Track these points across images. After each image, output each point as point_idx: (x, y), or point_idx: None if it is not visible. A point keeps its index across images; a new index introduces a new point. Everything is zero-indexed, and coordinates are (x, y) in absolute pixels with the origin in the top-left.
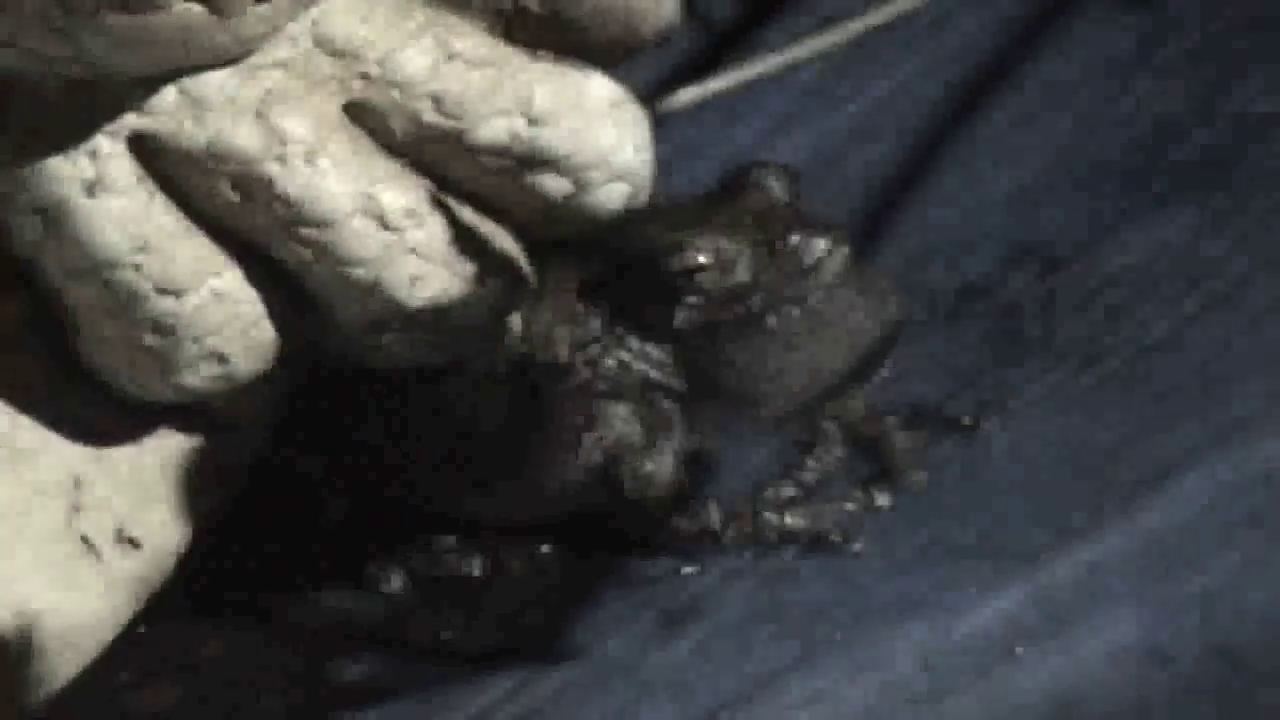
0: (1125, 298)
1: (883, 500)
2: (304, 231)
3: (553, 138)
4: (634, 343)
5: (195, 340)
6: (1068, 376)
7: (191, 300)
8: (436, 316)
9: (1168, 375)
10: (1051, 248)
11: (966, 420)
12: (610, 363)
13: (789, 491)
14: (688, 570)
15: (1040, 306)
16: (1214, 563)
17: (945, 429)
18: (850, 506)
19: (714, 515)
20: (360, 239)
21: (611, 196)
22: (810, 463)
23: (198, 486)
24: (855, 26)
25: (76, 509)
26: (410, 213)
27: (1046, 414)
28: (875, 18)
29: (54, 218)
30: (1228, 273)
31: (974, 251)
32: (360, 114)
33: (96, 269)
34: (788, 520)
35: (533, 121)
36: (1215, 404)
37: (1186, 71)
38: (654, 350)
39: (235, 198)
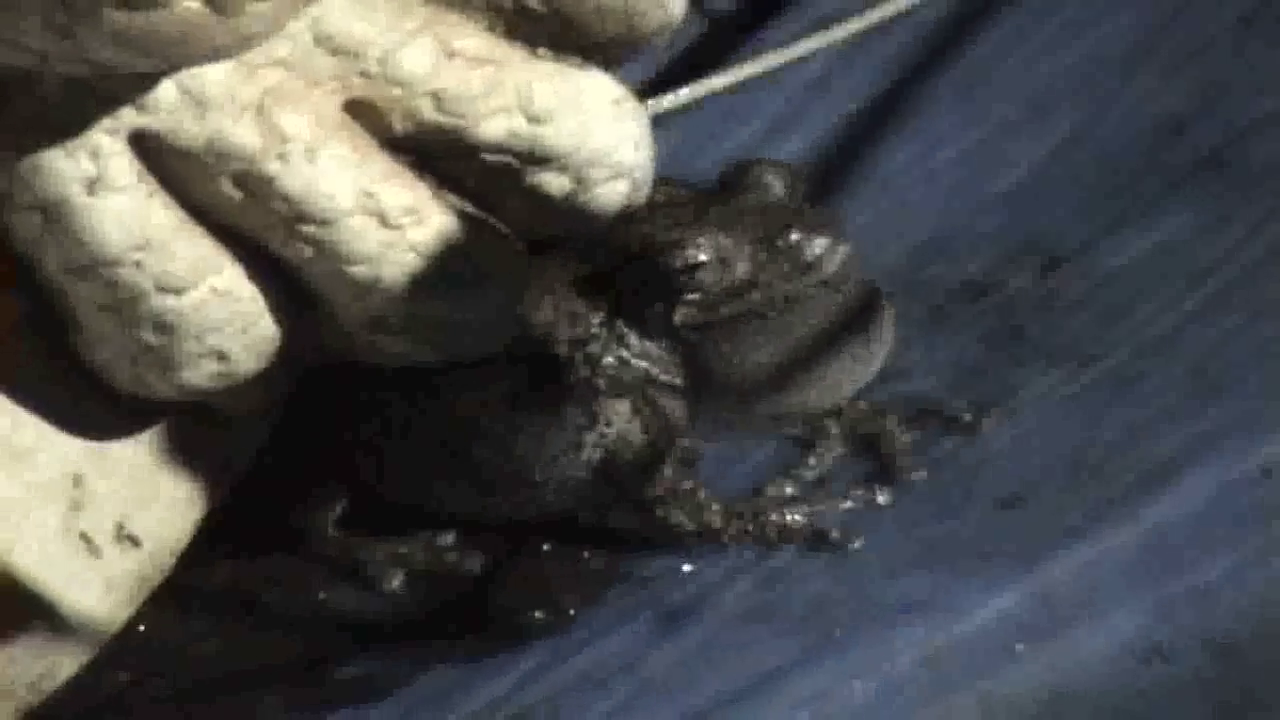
0: (1124, 296)
1: (883, 498)
2: (304, 229)
3: (553, 136)
4: (634, 340)
5: (195, 338)
6: (1067, 375)
7: (192, 298)
8: (437, 315)
9: (1167, 373)
10: (1051, 246)
11: (966, 418)
12: (610, 360)
13: (789, 489)
14: (687, 569)
15: (1040, 305)
16: (1213, 560)
17: (945, 427)
18: (850, 505)
19: (714, 513)
20: (361, 237)
21: (611, 194)
22: (810, 461)
23: (197, 484)
24: (855, 24)
25: (76, 507)
26: (411, 211)
27: (1046, 412)
28: (875, 15)
29: (54, 215)
30: (1227, 271)
31: (974, 250)
32: (360, 112)
33: (96, 267)
34: (788, 518)
35: (533, 119)
36: (1215, 402)
37: (1186, 70)
38: (654, 348)
39: (236, 196)
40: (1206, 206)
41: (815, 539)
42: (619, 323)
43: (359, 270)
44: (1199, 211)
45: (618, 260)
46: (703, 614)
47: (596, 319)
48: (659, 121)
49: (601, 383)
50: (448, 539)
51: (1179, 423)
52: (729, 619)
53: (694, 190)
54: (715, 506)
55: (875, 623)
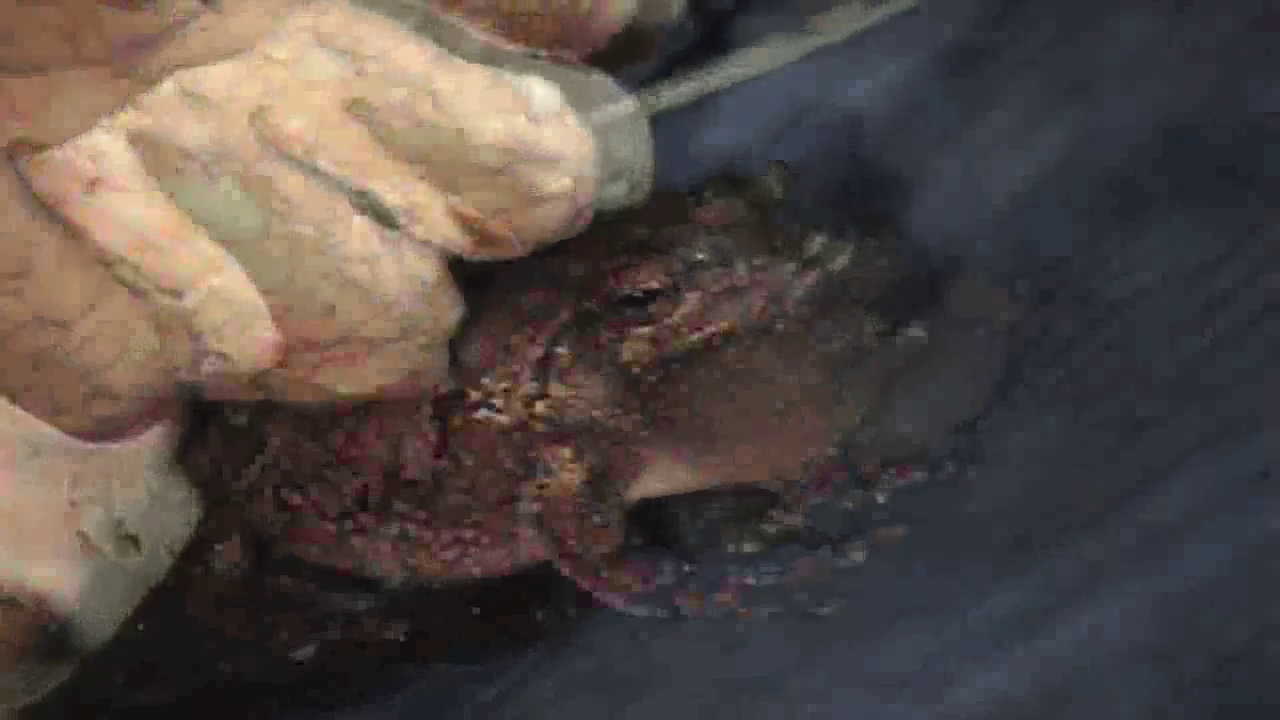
0: (1129, 329)
1: (857, 557)
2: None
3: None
4: (577, 378)
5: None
6: (1065, 418)
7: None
8: (354, 349)
9: (1178, 417)
10: (1047, 273)
11: (950, 467)
12: (550, 401)
13: (750, 546)
14: (641, 635)
15: (1035, 339)
16: (1230, 629)
17: (927, 476)
18: (820, 563)
19: (667, 574)
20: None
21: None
22: (775, 514)
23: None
24: (850, 25)
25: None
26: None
27: (1041, 460)
28: (869, 17)
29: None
30: (1247, 298)
31: (961, 277)
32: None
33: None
34: (748, 580)
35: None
36: (1231, 449)
37: (1196, 72)
38: (600, 387)
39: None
40: (1221, 228)
41: (781, 602)
42: (563, 357)
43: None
44: (1213, 234)
45: (561, 289)
46: (656, 688)
47: (536, 353)
48: (658, 120)
49: (539, 426)
50: (363, 604)
51: (1190, 473)
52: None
53: (690, 190)
54: (668, 566)
55: (850, 696)
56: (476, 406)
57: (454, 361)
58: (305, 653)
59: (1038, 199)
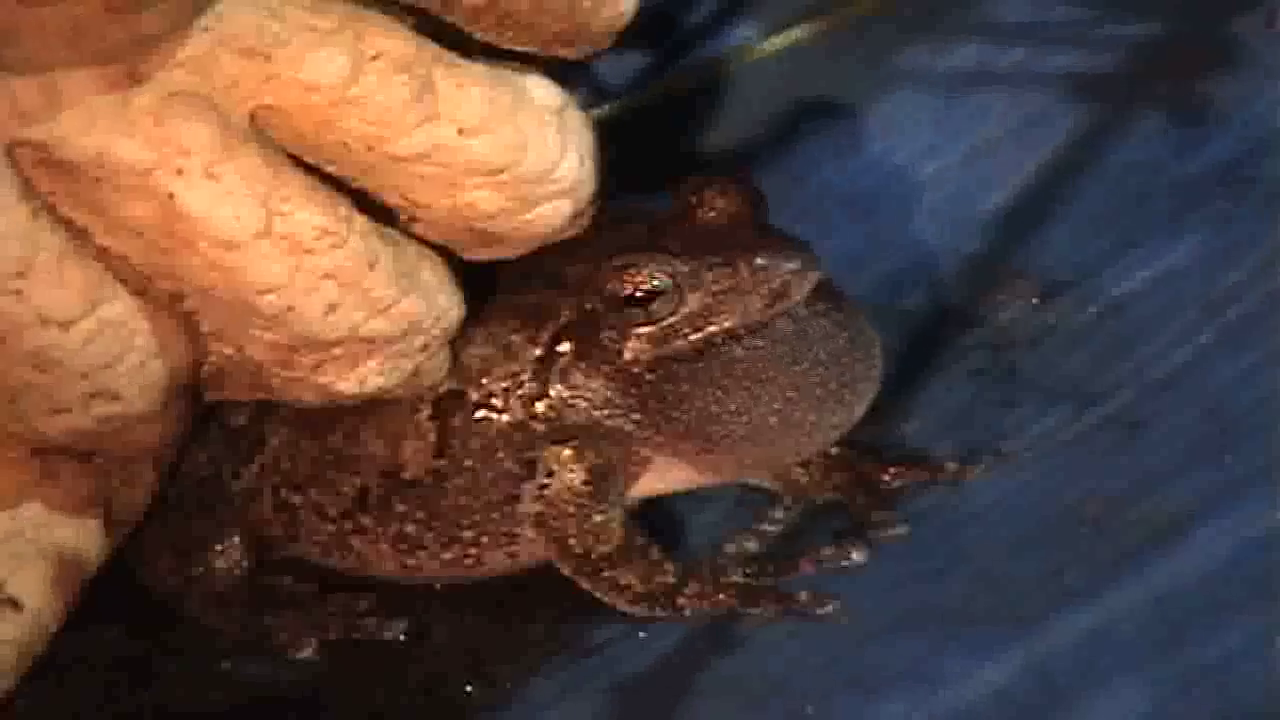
0: (1130, 329)
1: (858, 557)
2: (207, 253)
3: (485, 149)
4: (578, 378)
5: (83, 376)
6: (1066, 418)
7: (79, 331)
8: (354, 349)
9: (1179, 416)
10: (1048, 272)
11: (952, 466)
12: (550, 400)
13: (752, 546)
14: (642, 635)
15: (1035, 338)
16: (1231, 628)
17: (928, 476)
18: (821, 564)
19: (668, 573)
20: (269, 262)
21: (553, 214)
22: (776, 514)
23: (84, 539)
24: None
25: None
26: (326, 233)
27: (1042, 460)
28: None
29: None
30: (1248, 301)
31: (960, 277)
32: (270, 121)
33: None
34: (750, 579)
35: (463, 131)
36: (1232, 449)
37: (1202, 73)
38: (602, 387)
39: (130, 215)
40: (1223, 227)
41: (782, 603)
42: (562, 358)
43: (267, 300)
44: (1215, 233)
45: (560, 287)
46: (659, 687)
47: (535, 353)
48: (616, 129)
49: (540, 426)
50: (363, 604)
51: (1191, 473)
52: (688, 693)
53: (647, 209)
54: (669, 565)
55: (850, 697)
56: (476, 406)
57: (454, 361)
58: (305, 653)
59: (1039, 200)
